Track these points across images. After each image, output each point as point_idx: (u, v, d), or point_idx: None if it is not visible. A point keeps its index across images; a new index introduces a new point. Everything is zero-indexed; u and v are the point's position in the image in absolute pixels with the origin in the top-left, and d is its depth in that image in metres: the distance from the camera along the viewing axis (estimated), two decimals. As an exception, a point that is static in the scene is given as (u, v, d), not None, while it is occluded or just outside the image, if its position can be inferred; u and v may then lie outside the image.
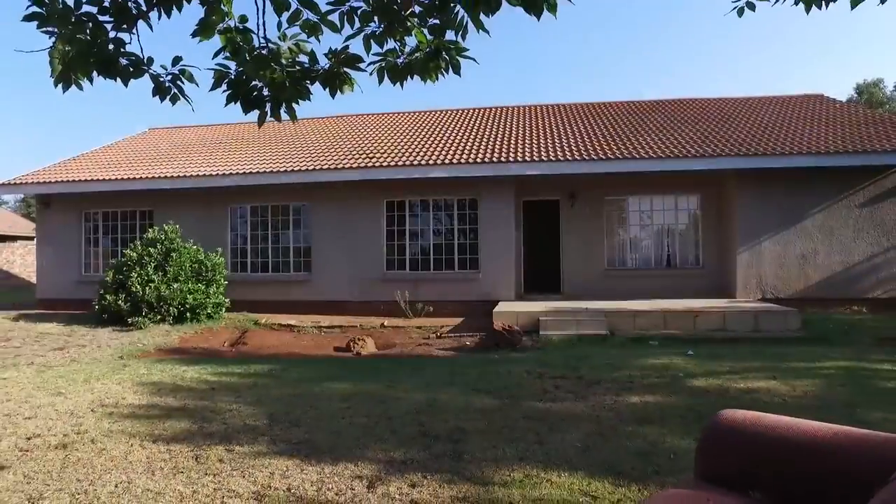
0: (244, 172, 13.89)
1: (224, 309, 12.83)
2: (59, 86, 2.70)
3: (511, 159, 12.98)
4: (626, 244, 13.96)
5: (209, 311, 12.41)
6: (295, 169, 13.66)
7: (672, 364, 7.35)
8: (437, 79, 3.02)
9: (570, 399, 5.64)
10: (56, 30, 2.32)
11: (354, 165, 13.46)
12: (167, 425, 4.98)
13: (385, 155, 14.03)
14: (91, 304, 12.54)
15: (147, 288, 11.71)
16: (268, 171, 13.78)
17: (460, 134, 15.54)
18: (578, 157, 12.74)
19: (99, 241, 15.30)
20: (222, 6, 2.66)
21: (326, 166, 13.55)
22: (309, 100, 3.04)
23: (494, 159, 13.01)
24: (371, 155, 14.06)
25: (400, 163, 13.33)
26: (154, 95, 3.04)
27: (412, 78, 3.00)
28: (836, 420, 2.20)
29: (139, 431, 4.81)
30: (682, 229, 13.86)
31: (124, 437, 4.67)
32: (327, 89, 3.01)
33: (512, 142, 14.28)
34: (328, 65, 3.02)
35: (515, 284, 13.24)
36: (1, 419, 5.15)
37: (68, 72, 2.46)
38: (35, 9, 2.32)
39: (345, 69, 3.00)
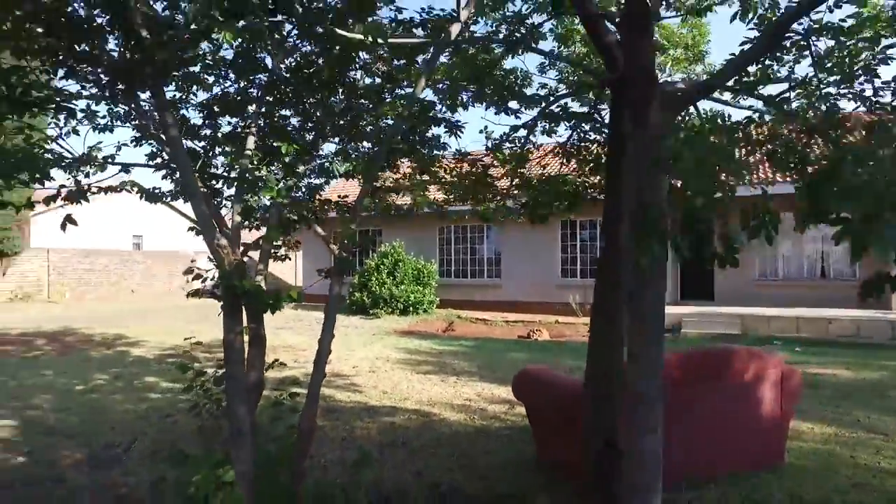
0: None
1: (434, 305, 16.88)
2: None
3: (667, 185, 15.19)
4: (777, 257, 15.27)
5: (424, 307, 16.51)
6: (488, 196, 17.25)
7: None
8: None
9: (675, 369, 8.26)
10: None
11: (534, 193, 16.67)
12: (421, 367, 8.66)
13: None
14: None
15: (382, 288, 16.11)
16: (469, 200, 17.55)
17: (626, 161, 17.93)
18: (729, 182, 14.54)
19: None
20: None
21: (512, 194, 16.94)
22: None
23: (653, 185, 15.32)
24: (548, 183, 17.15)
25: (572, 190, 16.25)
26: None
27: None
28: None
29: (407, 369, 8.54)
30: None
31: (400, 370, 8.42)
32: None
33: (671, 168, 16.38)
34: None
35: (671, 291, 15.40)
36: (333, 360, 9.27)
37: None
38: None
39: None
